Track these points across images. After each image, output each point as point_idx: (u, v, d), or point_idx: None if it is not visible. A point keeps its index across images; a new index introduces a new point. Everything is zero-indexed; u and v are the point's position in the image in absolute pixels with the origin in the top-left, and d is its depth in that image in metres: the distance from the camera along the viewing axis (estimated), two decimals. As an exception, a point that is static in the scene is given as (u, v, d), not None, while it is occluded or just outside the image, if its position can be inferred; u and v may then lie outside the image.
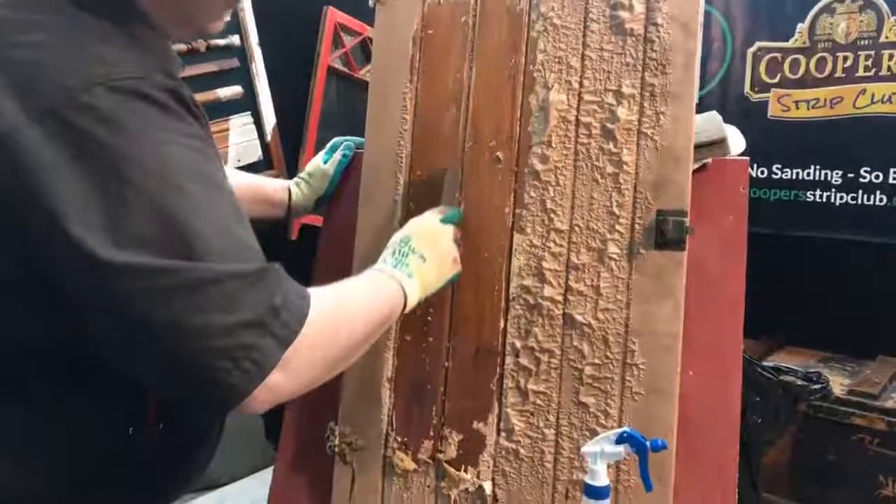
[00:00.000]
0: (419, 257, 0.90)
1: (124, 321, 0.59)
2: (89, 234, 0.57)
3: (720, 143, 1.03)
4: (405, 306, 0.86)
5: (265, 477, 1.17)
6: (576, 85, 0.99)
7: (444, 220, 0.99)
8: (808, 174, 2.75)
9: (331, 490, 1.08)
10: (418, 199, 1.04)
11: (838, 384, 2.30)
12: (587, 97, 0.99)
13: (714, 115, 1.07)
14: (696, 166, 1.01)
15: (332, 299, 0.75)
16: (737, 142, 1.09)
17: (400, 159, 1.08)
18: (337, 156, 1.23)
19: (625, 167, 0.96)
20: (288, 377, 0.64)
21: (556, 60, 1.00)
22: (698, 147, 1.01)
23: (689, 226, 0.94)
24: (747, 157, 1.06)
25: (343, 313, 0.75)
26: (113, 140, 0.59)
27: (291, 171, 2.87)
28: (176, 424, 0.77)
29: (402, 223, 1.07)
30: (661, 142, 0.95)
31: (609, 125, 0.97)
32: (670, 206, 0.94)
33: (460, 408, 1.02)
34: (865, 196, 2.64)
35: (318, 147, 2.75)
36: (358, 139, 1.22)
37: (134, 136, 0.60)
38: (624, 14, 0.97)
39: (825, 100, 2.68)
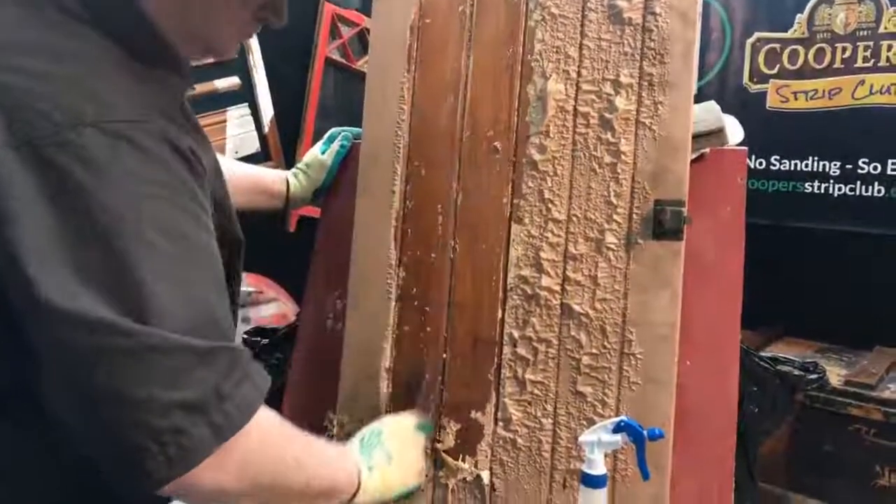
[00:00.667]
0: (386, 455, 0.87)
1: (65, 372, 0.56)
2: (45, 276, 0.54)
3: (718, 133, 1.03)
4: (354, 495, 0.79)
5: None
6: (574, 74, 0.99)
7: (419, 428, 0.97)
8: (807, 165, 2.75)
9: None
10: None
11: (836, 375, 2.31)
12: (585, 87, 0.99)
13: (712, 105, 1.07)
14: (694, 156, 1.01)
15: (291, 430, 0.70)
16: (735, 132, 1.09)
17: (397, 149, 1.07)
18: (334, 146, 1.23)
19: (623, 157, 0.96)
20: (225, 473, 0.60)
21: (554, 50, 1.00)
22: (696, 137, 1.01)
23: (686, 216, 0.94)
24: (745, 148, 1.06)
25: (296, 449, 0.70)
26: (90, 183, 0.56)
27: (289, 162, 2.86)
28: None
29: (399, 214, 1.07)
30: (659, 132, 0.95)
31: (607, 115, 0.97)
32: (668, 196, 0.94)
33: (458, 398, 1.02)
34: (864, 187, 2.64)
35: (316, 138, 2.75)
36: (355, 129, 1.22)
37: (114, 183, 0.57)
38: (622, 3, 0.97)
39: (824, 91, 2.67)
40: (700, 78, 2.96)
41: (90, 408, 0.56)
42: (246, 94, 2.78)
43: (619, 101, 0.96)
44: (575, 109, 0.99)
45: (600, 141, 0.97)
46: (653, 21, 0.95)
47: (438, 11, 1.07)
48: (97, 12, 0.63)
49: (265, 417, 0.64)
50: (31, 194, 0.55)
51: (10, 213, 0.55)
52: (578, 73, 0.99)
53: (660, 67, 0.95)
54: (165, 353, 0.56)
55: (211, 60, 0.80)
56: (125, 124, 0.59)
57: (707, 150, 1.03)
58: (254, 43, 2.75)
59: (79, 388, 0.56)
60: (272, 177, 1.22)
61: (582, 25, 0.99)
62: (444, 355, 1.03)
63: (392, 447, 0.88)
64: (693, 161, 1.00)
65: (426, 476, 0.97)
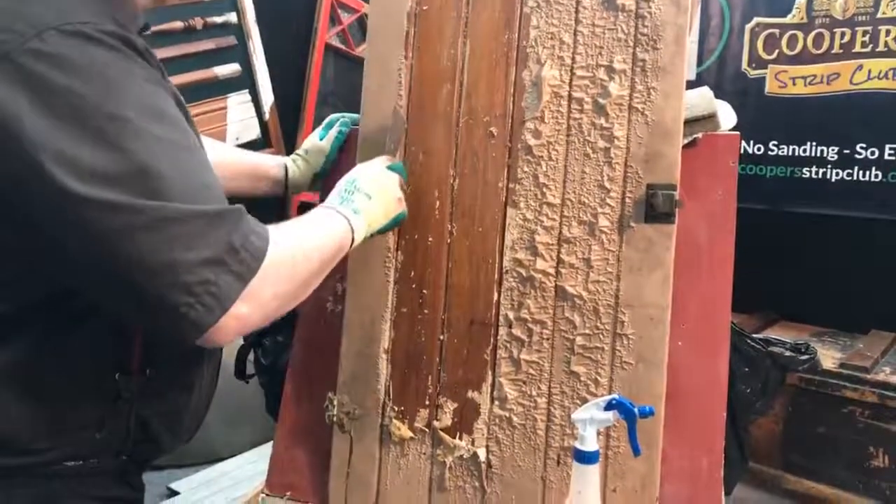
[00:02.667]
0: (364, 195, 0.94)
1: (94, 254, 0.63)
2: (58, 169, 0.60)
3: (710, 118, 1.05)
4: (353, 241, 0.89)
5: (265, 451, 1.20)
6: (568, 60, 1.01)
7: (391, 168, 1.02)
8: (805, 151, 2.76)
9: (329, 459, 1.11)
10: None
11: (831, 358, 2.34)
12: (579, 73, 1.00)
13: (705, 91, 1.09)
14: (686, 141, 1.03)
15: (288, 236, 0.78)
16: (727, 117, 1.11)
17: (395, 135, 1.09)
18: (333, 132, 1.24)
19: (616, 142, 0.98)
20: (252, 308, 0.68)
21: (549, 36, 1.01)
22: (689, 122, 1.03)
23: (678, 199, 0.96)
24: (738, 133, 1.07)
25: (299, 249, 0.79)
26: (68, 82, 0.61)
27: (289, 148, 2.88)
28: (160, 373, 0.82)
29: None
30: (651, 117, 0.97)
31: (601, 100, 0.99)
32: (660, 180, 0.96)
33: (455, 378, 1.04)
34: (861, 172, 2.66)
35: (316, 125, 2.76)
36: (354, 115, 1.24)
37: (89, 78, 0.62)
38: (616, -10, 0.98)
39: (822, 76, 2.68)
40: (699, 64, 2.96)
41: (126, 282, 0.63)
42: (246, 81, 2.80)
43: (613, 87, 0.98)
44: (569, 95, 1.01)
45: (594, 126, 0.99)
46: (646, 7, 0.97)
47: (435, -2, 1.08)
48: None
49: (273, 251, 0.71)
50: (23, 103, 0.60)
51: (11, 126, 0.60)
52: (573, 59, 1.01)
53: (653, 53, 0.97)
54: (179, 221, 0.63)
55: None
56: (83, 24, 0.63)
57: (700, 134, 1.04)
58: (254, 29, 2.76)
59: (111, 267, 0.62)
60: (271, 163, 1.23)
61: (576, 12, 1.00)
62: (442, 337, 1.05)
63: (368, 188, 0.95)
64: (686, 146, 1.02)
65: (405, 207, 1.02)
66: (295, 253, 0.77)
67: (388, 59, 1.10)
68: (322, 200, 1.30)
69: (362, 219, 0.91)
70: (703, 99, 1.06)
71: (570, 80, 1.01)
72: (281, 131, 2.95)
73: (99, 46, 0.63)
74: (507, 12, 1.04)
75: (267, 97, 2.87)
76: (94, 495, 0.80)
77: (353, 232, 0.89)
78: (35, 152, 0.60)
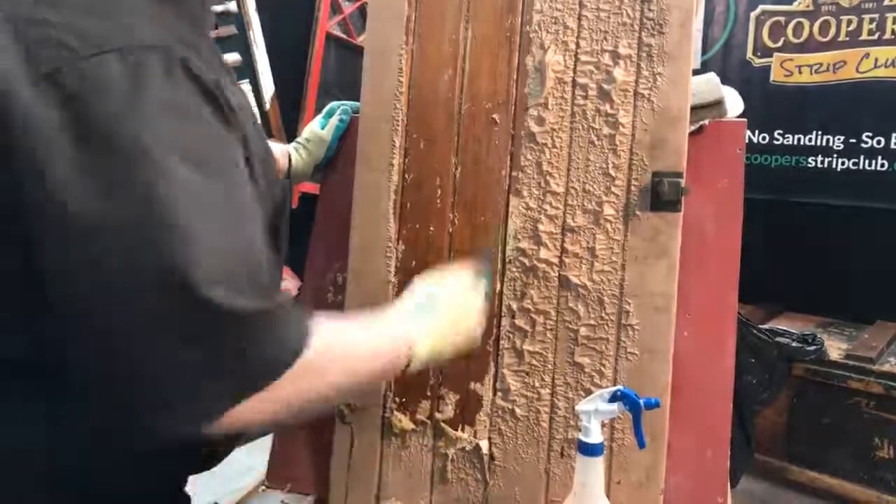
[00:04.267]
0: (442, 320, 0.83)
1: (79, 314, 0.54)
2: (76, 208, 0.52)
3: (717, 105, 1.03)
4: (409, 367, 0.78)
5: (260, 444, 1.18)
6: (572, 46, 0.99)
7: (480, 276, 0.91)
8: (810, 140, 2.73)
9: (330, 451, 1.10)
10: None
11: (836, 349, 2.32)
12: (584, 58, 0.98)
13: (711, 77, 1.07)
14: (692, 128, 1.01)
15: (332, 345, 0.67)
16: (734, 104, 1.09)
17: (396, 122, 1.07)
18: (333, 120, 1.22)
19: (621, 129, 0.96)
20: (260, 410, 0.59)
21: (553, 21, 0.99)
22: (695, 109, 1.01)
23: (684, 187, 0.94)
24: (744, 119, 1.06)
25: (337, 362, 0.68)
26: (113, 115, 0.54)
27: (290, 138, 2.86)
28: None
29: (398, 188, 1.07)
30: (657, 103, 0.95)
31: (606, 86, 0.97)
32: (666, 168, 0.94)
33: (457, 369, 1.03)
34: (867, 161, 2.63)
35: (317, 114, 2.73)
36: (355, 104, 1.22)
37: (139, 116, 0.54)
38: (621, -27, 0.96)
39: (828, 64, 2.65)
40: (704, 52, 2.93)
41: (108, 352, 0.54)
42: (247, 71, 2.77)
43: (618, 73, 0.96)
44: (573, 81, 0.99)
45: (599, 112, 0.97)
46: (652, -9, 0.95)
47: (436, -17, 1.06)
48: None
49: (305, 358, 0.61)
50: (51, 127, 0.53)
51: (37, 152, 0.53)
52: (577, 45, 0.99)
53: (658, 38, 0.95)
54: (196, 307, 0.53)
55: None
56: (146, 51, 0.56)
57: (706, 121, 1.03)
58: (254, 18, 2.73)
59: (99, 328, 0.54)
60: (276, 153, 1.21)
61: (580, -4, 0.98)
62: (444, 327, 1.04)
63: (445, 312, 0.83)
64: (692, 133, 1.00)
65: (482, 333, 0.90)
66: (332, 367, 0.67)
67: (389, 44, 1.08)
68: (324, 182, 1.28)
69: (427, 344, 0.79)
70: (709, 85, 1.04)
71: (575, 65, 0.99)
72: (282, 121, 2.93)
73: (154, 78, 0.56)
74: (509, -4, 1.02)
75: (268, 87, 2.85)
76: None
77: (411, 360, 0.77)
78: (53, 189, 0.53)
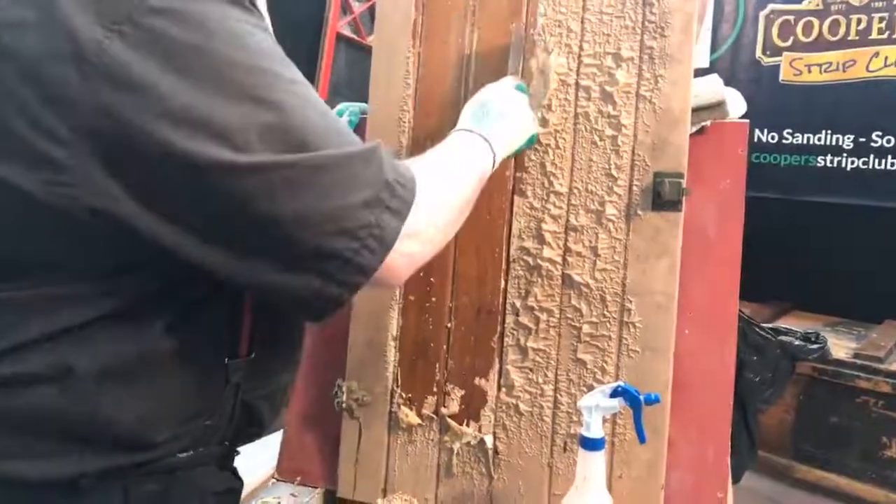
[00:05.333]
0: (499, 115, 0.91)
1: (247, 223, 0.60)
2: (201, 141, 0.56)
3: (719, 106, 1.04)
4: (494, 163, 0.87)
5: (274, 438, 1.20)
6: (575, 48, 1.00)
7: (518, 88, 0.98)
8: (820, 139, 2.73)
9: (339, 445, 1.13)
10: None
11: (844, 348, 2.33)
12: (587, 60, 1.00)
13: (713, 78, 1.08)
14: (695, 129, 1.02)
15: (433, 165, 0.77)
16: (736, 104, 1.10)
17: (403, 124, 1.10)
18: (342, 122, 1.25)
19: (623, 130, 0.98)
20: (415, 242, 0.68)
21: (556, 24, 1.01)
22: (697, 110, 1.03)
23: (685, 188, 0.95)
24: (746, 121, 1.07)
25: (448, 175, 0.78)
26: (196, 39, 0.57)
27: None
28: (266, 354, 0.79)
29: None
30: (659, 105, 0.96)
31: (608, 88, 0.99)
32: (667, 168, 0.96)
33: (462, 365, 1.05)
34: (877, 160, 2.63)
35: (328, 114, 2.73)
36: (363, 105, 1.24)
37: (215, 32, 0.58)
38: (623, -23, 0.98)
39: (838, 63, 2.65)
40: (713, 51, 2.94)
41: (281, 243, 0.61)
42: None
43: (620, 75, 0.98)
44: (577, 83, 1.00)
45: (601, 114, 0.99)
46: (654, -6, 0.96)
47: (443, -14, 1.08)
48: None
49: (423, 181, 0.70)
50: (148, 70, 0.56)
51: (142, 102, 0.56)
52: (580, 47, 1.00)
53: (660, 41, 0.96)
54: (332, 168, 0.61)
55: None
56: None
57: (708, 122, 1.04)
58: (266, 19, 2.76)
59: (269, 230, 0.60)
60: None
61: (584, 0, 1.00)
62: (449, 324, 1.06)
63: (502, 108, 0.92)
64: (694, 133, 1.01)
65: (538, 126, 1.00)
66: (444, 180, 0.77)
67: (396, 47, 1.10)
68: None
69: (501, 140, 0.89)
70: (711, 86, 1.06)
71: (578, 67, 1.00)
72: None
73: (215, 7, 0.60)
74: (514, 0, 1.04)
75: (279, 87, 2.87)
76: (208, 488, 0.77)
77: (494, 155, 0.87)
78: (175, 125, 0.56)
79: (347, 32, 3.09)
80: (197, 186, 0.58)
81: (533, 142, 0.99)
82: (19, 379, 0.64)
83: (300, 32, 2.94)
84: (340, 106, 1.27)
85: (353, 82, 3.15)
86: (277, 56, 0.63)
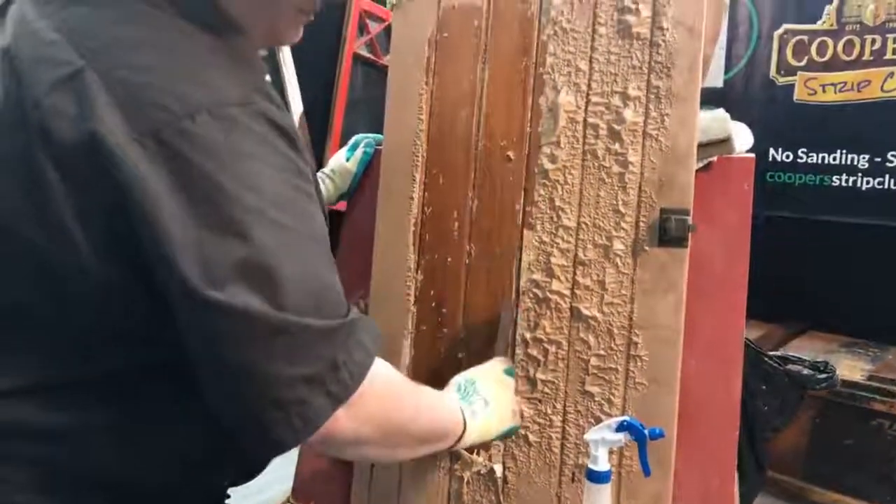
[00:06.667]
0: (482, 401, 0.92)
1: (203, 351, 0.62)
2: (188, 266, 0.59)
3: (725, 142, 1.06)
4: (460, 439, 0.86)
5: (290, 456, 1.23)
6: (584, 87, 1.03)
7: (507, 372, 1.02)
8: (835, 158, 2.73)
9: (352, 471, 1.15)
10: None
11: (860, 370, 2.31)
12: (595, 99, 1.02)
13: (720, 113, 1.10)
14: (701, 164, 1.04)
15: (402, 381, 0.78)
16: (743, 139, 1.12)
17: (416, 158, 1.13)
18: (358, 153, 1.28)
19: (630, 167, 1.00)
20: (349, 420, 0.67)
21: (565, 63, 1.04)
22: (703, 145, 1.05)
23: (691, 224, 0.97)
24: (752, 155, 1.09)
25: (408, 392, 0.78)
26: (212, 171, 0.59)
27: (318, 154, 2.93)
28: None
29: (417, 219, 1.12)
30: (665, 143, 0.99)
31: (616, 126, 1.01)
32: (674, 205, 0.98)
33: (473, 395, 1.07)
34: (892, 181, 2.62)
35: (345, 132, 2.78)
36: (378, 136, 1.27)
37: (233, 168, 0.60)
38: (631, 18, 1.00)
39: (853, 83, 2.65)
40: (726, 70, 2.94)
41: (227, 382, 0.62)
42: (276, 91, 2.85)
43: (628, 113, 1.00)
44: (585, 121, 1.03)
45: (609, 151, 1.01)
46: (660, 35, 0.99)
47: (455, 25, 1.11)
48: (180, 4, 0.67)
49: (379, 374, 0.70)
50: (162, 187, 0.59)
51: (147, 209, 0.59)
52: (588, 86, 1.03)
53: (667, 80, 0.99)
54: (293, 335, 0.61)
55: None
56: (234, 108, 0.62)
57: (714, 158, 1.06)
58: (284, 41, 2.81)
59: (216, 365, 0.62)
60: None
61: (592, 40, 1.03)
62: (460, 355, 1.08)
63: (488, 393, 0.94)
64: (700, 169, 1.04)
65: (519, 420, 1.02)
66: (403, 390, 0.77)
67: (410, 83, 1.14)
68: (348, 211, 1.35)
69: (478, 423, 0.89)
70: (717, 122, 1.08)
71: (586, 105, 1.03)
72: (310, 138, 3.00)
73: (247, 133, 0.62)
74: (524, 39, 1.07)
75: (296, 107, 2.93)
76: None
77: (464, 431, 0.87)
78: (168, 241, 0.59)
79: (364, 52, 3.13)
80: (169, 291, 0.61)
81: (512, 433, 1.00)
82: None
83: (319, 52, 2.98)
84: (356, 138, 1.31)
85: (369, 100, 3.19)
86: (290, 204, 0.64)
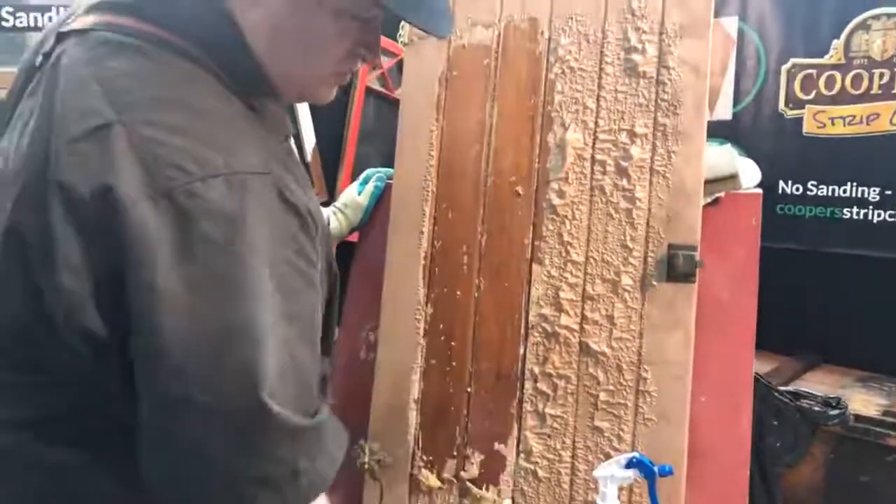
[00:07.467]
0: None
1: (159, 418, 0.60)
2: (171, 327, 0.57)
3: (732, 178, 1.07)
4: None
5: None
6: (591, 124, 1.05)
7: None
8: (845, 191, 2.73)
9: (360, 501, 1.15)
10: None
11: (875, 405, 2.28)
12: (602, 136, 1.04)
13: (727, 149, 1.12)
14: (708, 200, 1.05)
15: None
16: (750, 175, 1.13)
17: (426, 193, 1.14)
18: (370, 187, 1.30)
19: (638, 203, 1.01)
20: None
21: (573, 101, 1.06)
22: (711, 182, 1.06)
23: (698, 260, 0.98)
24: (759, 191, 1.10)
25: None
26: (217, 238, 0.59)
27: (330, 189, 2.96)
28: None
29: (427, 254, 1.13)
30: (672, 179, 1.00)
31: (623, 163, 1.02)
32: (681, 241, 0.99)
33: (482, 430, 1.07)
34: (904, 213, 2.61)
35: (357, 164, 2.80)
36: (389, 170, 1.29)
37: (236, 235, 0.59)
38: (637, 57, 1.02)
39: (861, 116, 2.66)
40: (735, 104, 2.96)
41: (177, 459, 0.59)
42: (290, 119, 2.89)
43: (635, 150, 1.02)
44: (592, 157, 1.04)
45: (616, 187, 1.03)
46: (666, 74, 1.01)
47: (465, 64, 1.14)
48: (219, 61, 0.67)
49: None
50: (162, 242, 0.58)
51: (144, 262, 0.58)
52: (596, 124, 1.05)
53: (673, 118, 1.00)
54: (265, 430, 0.58)
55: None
56: (251, 176, 0.61)
57: (721, 193, 1.07)
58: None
59: (168, 438, 0.59)
60: None
61: (599, 78, 1.05)
62: (469, 389, 1.09)
63: None
64: (708, 205, 1.05)
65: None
66: None
67: (421, 120, 1.16)
68: (359, 244, 1.36)
69: None
70: (725, 158, 1.09)
71: (594, 143, 1.05)
72: (322, 170, 3.03)
73: (257, 204, 0.61)
74: (533, 78, 1.09)
75: (309, 139, 2.96)
76: None
77: None
78: (155, 297, 0.57)
79: (376, 86, 3.18)
80: (143, 355, 0.59)
81: None
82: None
83: (331, 87, 3.03)
84: (367, 172, 1.33)
85: (380, 131, 3.23)
86: (284, 287, 0.61)
